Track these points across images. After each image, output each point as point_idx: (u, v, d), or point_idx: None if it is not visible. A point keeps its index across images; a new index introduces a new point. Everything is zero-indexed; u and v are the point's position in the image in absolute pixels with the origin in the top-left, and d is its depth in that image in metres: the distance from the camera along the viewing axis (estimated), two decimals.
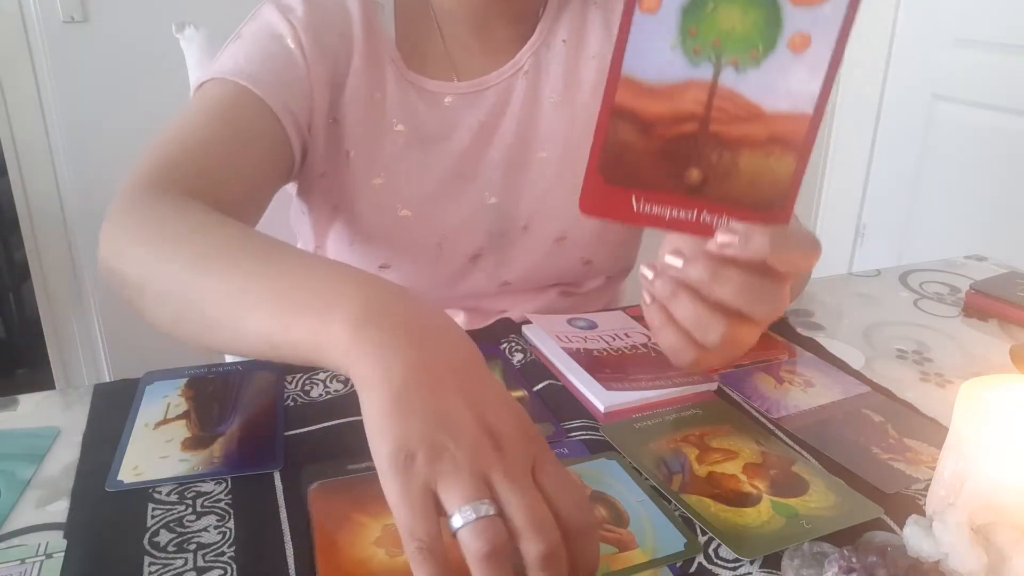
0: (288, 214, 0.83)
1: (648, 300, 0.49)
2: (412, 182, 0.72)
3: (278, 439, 0.53)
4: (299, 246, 0.82)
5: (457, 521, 0.33)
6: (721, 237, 0.44)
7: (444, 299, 0.79)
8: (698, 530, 0.45)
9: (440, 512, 0.34)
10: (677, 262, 0.46)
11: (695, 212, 0.44)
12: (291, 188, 0.78)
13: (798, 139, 0.39)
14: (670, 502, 0.47)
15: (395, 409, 0.35)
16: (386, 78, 0.72)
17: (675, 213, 0.45)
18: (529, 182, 0.76)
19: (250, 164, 0.64)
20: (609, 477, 0.50)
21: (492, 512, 0.33)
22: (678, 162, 0.43)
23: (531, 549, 0.33)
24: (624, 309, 0.74)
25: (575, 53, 0.77)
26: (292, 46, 0.67)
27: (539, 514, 0.34)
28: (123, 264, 0.51)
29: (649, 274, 0.49)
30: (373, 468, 0.40)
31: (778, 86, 0.37)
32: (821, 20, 0.36)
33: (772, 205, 0.42)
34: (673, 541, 0.44)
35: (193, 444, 0.53)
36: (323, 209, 0.75)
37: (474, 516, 0.33)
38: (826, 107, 0.38)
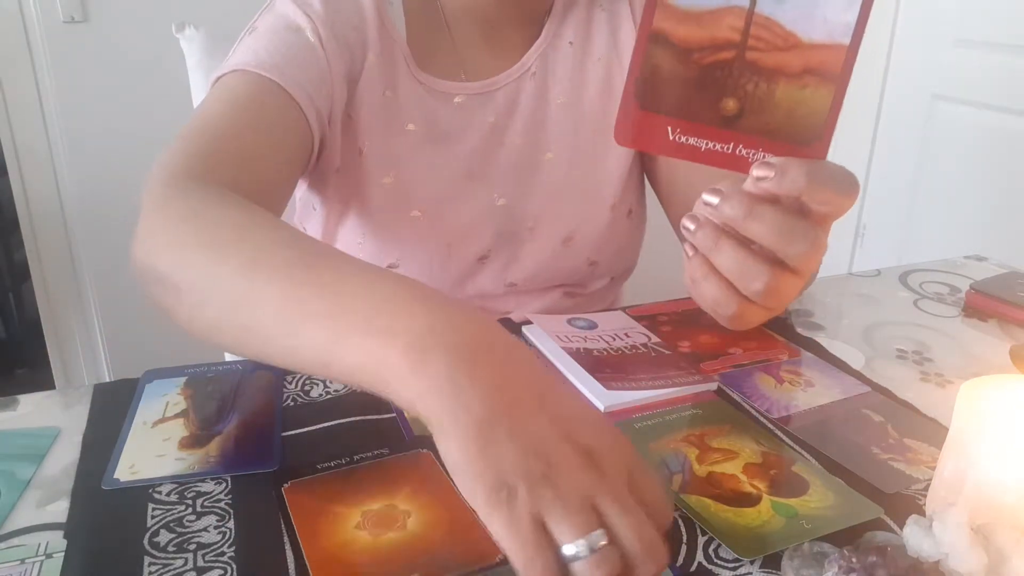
0: (290, 211, 0.83)
1: (690, 253, 0.49)
2: (423, 182, 0.73)
3: (275, 439, 0.53)
4: None
5: (571, 551, 0.31)
6: (757, 171, 0.44)
7: None
8: (698, 530, 0.45)
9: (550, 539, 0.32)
10: (714, 199, 0.45)
11: (731, 145, 0.44)
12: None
13: (835, 70, 0.39)
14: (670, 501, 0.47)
15: (482, 445, 0.32)
16: (398, 76, 0.72)
17: (711, 145, 0.44)
18: (537, 183, 0.76)
19: (279, 153, 0.62)
20: None
21: (604, 542, 0.31)
22: (714, 91, 0.43)
23: (644, 573, 0.32)
24: (624, 309, 0.74)
25: (581, 55, 0.78)
26: (312, 39, 0.66)
27: (648, 536, 0.32)
28: (161, 263, 0.47)
29: (691, 225, 0.48)
30: (343, 465, 0.40)
31: (815, 15, 0.37)
32: None
33: (809, 139, 0.42)
34: None
35: (190, 443, 0.53)
36: (335, 205, 0.75)
37: (588, 550, 0.31)
38: (862, 38, 0.38)
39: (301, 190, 0.79)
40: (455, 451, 0.32)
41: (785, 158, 0.43)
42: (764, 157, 0.44)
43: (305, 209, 0.80)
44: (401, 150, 0.72)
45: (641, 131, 0.45)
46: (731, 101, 0.43)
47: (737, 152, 0.44)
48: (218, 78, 0.65)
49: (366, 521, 0.45)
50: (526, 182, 0.76)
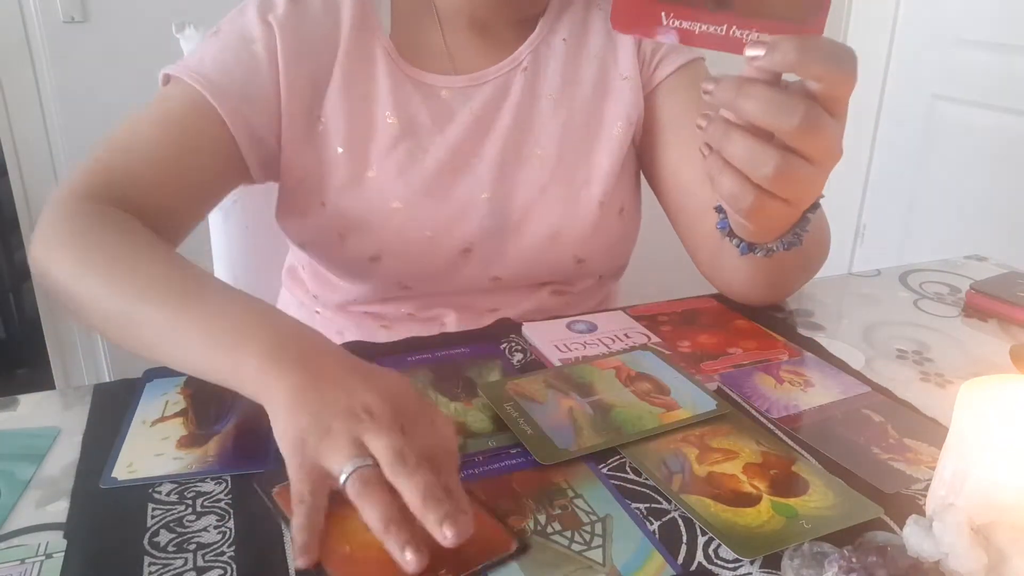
0: (269, 202, 0.81)
1: (706, 152, 0.50)
2: (404, 174, 0.72)
3: (272, 438, 0.53)
4: (289, 241, 0.83)
5: (342, 478, 0.40)
6: (749, 50, 0.45)
7: (434, 295, 0.79)
8: (698, 530, 0.45)
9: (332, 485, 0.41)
10: (710, 86, 0.47)
11: (724, 27, 0.44)
12: (274, 185, 0.77)
13: None
14: (670, 502, 0.47)
15: (289, 412, 0.44)
16: (377, 70, 0.72)
17: (704, 28, 0.45)
18: (523, 178, 0.76)
19: (193, 175, 0.67)
20: (647, 362, 0.63)
21: (367, 462, 0.41)
22: None
23: (394, 479, 0.40)
24: (625, 309, 0.74)
25: (575, 52, 0.78)
26: (261, 53, 0.68)
27: (397, 447, 0.40)
28: (57, 273, 0.56)
29: (703, 122, 0.49)
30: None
31: None
32: None
33: (803, 17, 0.42)
34: (707, 404, 0.57)
35: (188, 442, 0.53)
36: (311, 206, 0.74)
37: (352, 468, 0.40)
38: None
39: (279, 184, 0.78)
40: (276, 422, 0.44)
41: (778, 36, 0.44)
42: (758, 37, 0.45)
43: (284, 210, 0.79)
44: (382, 143, 0.72)
45: (636, 17, 0.46)
46: None
47: (731, 33, 0.45)
48: (167, 76, 0.69)
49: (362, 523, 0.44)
50: (511, 176, 0.75)
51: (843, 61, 0.45)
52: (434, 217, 0.73)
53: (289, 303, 0.89)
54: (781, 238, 0.58)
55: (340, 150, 0.71)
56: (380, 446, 0.41)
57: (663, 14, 0.45)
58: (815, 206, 0.57)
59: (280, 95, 0.69)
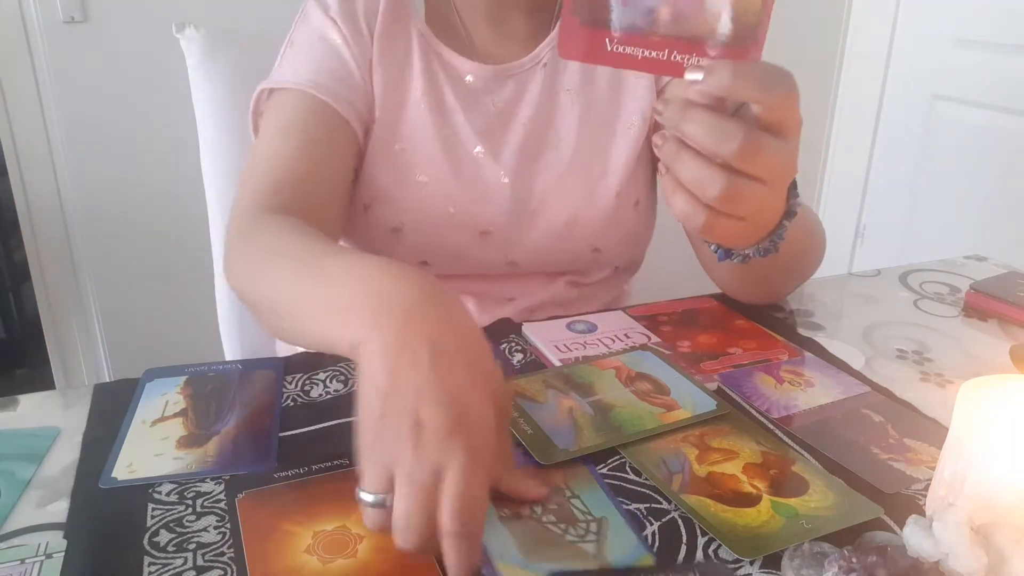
0: None
1: (663, 171, 0.51)
2: (431, 150, 0.76)
3: (273, 439, 0.53)
4: None
5: (360, 494, 0.40)
6: (688, 74, 0.46)
7: (454, 278, 0.81)
8: (698, 530, 0.45)
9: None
10: (660, 107, 0.49)
11: (666, 52, 0.46)
12: None
13: None
14: (670, 502, 0.47)
15: (365, 381, 0.41)
16: (412, 48, 0.76)
17: (647, 53, 0.46)
18: (542, 167, 0.79)
19: (331, 166, 0.72)
20: (647, 362, 0.63)
21: (385, 503, 0.39)
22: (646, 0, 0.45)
23: (397, 539, 0.39)
24: (625, 309, 0.75)
25: None
26: (340, 42, 0.74)
27: (409, 514, 0.38)
28: (241, 288, 0.59)
29: (659, 141, 0.50)
30: (301, 476, 0.48)
31: None
32: None
33: (743, 42, 0.43)
34: (707, 403, 0.57)
35: (188, 442, 0.53)
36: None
37: (369, 500, 0.40)
38: None
39: None
40: (373, 373, 0.41)
41: (715, 60, 0.45)
42: (698, 61, 0.46)
43: None
44: (412, 117, 0.76)
45: (582, 45, 0.47)
46: (664, 9, 0.45)
47: (672, 58, 0.46)
48: (265, 91, 0.74)
49: (317, 544, 0.43)
50: (531, 164, 0.78)
51: (776, 84, 0.46)
52: (458, 195, 0.76)
53: None
54: (757, 245, 0.58)
55: (377, 113, 0.75)
56: (397, 503, 0.38)
57: (607, 40, 0.46)
58: (791, 214, 0.57)
59: (363, 72, 0.75)
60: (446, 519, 0.38)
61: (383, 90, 0.75)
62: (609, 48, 0.46)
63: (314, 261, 0.51)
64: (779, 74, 0.47)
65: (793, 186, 0.56)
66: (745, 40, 0.44)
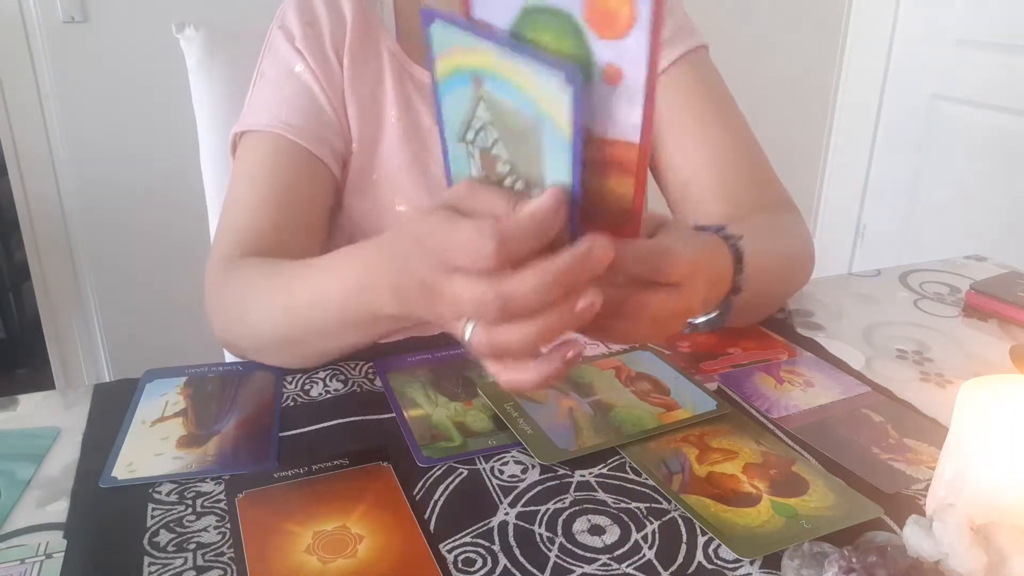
0: None
1: None
2: (409, 177, 0.74)
3: (273, 439, 0.53)
4: None
5: (467, 333, 0.41)
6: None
7: None
8: (698, 530, 0.45)
9: None
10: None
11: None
12: None
13: (631, 165, 0.38)
14: (670, 502, 0.47)
15: (395, 296, 0.47)
16: (384, 71, 0.74)
17: None
18: None
19: (305, 208, 0.70)
20: (647, 362, 0.64)
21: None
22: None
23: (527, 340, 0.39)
24: None
25: None
26: (308, 77, 0.72)
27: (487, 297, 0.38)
28: (229, 327, 0.63)
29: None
30: (301, 476, 0.49)
31: (603, 114, 0.37)
32: (626, 52, 0.35)
33: (621, 223, 0.41)
34: (707, 403, 0.57)
35: (188, 442, 0.53)
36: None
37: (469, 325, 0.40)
38: (651, 133, 0.38)
39: None
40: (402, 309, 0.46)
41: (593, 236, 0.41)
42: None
43: None
44: (387, 144, 0.74)
45: None
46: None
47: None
48: (237, 134, 0.73)
49: (317, 544, 0.44)
50: None
51: (650, 265, 0.43)
52: None
53: None
54: (706, 318, 0.56)
55: (355, 146, 0.73)
56: (468, 302, 0.39)
57: None
58: (735, 290, 0.54)
59: (335, 103, 0.73)
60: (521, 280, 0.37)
61: (358, 119, 0.73)
62: None
63: (288, 271, 0.57)
64: (656, 257, 0.43)
65: (738, 260, 0.53)
66: (622, 222, 0.40)
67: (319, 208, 0.72)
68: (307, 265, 0.57)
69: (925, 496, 0.47)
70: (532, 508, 0.47)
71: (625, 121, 0.37)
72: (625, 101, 0.36)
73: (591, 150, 0.38)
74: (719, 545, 0.44)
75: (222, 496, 0.48)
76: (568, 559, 0.43)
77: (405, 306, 0.46)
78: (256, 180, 0.69)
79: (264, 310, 0.59)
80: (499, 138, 0.40)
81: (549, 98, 0.36)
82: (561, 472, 0.50)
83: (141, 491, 0.48)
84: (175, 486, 0.49)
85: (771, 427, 0.56)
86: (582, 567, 0.43)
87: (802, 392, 0.60)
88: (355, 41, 0.72)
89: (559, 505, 0.47)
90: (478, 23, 0.40)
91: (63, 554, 0.43)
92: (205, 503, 0.47)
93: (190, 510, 0.46)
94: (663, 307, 0.44)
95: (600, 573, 0.42)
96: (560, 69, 0.35)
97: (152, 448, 0.52)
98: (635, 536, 0.45)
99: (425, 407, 0.57)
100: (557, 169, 0.38)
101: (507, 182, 0.41)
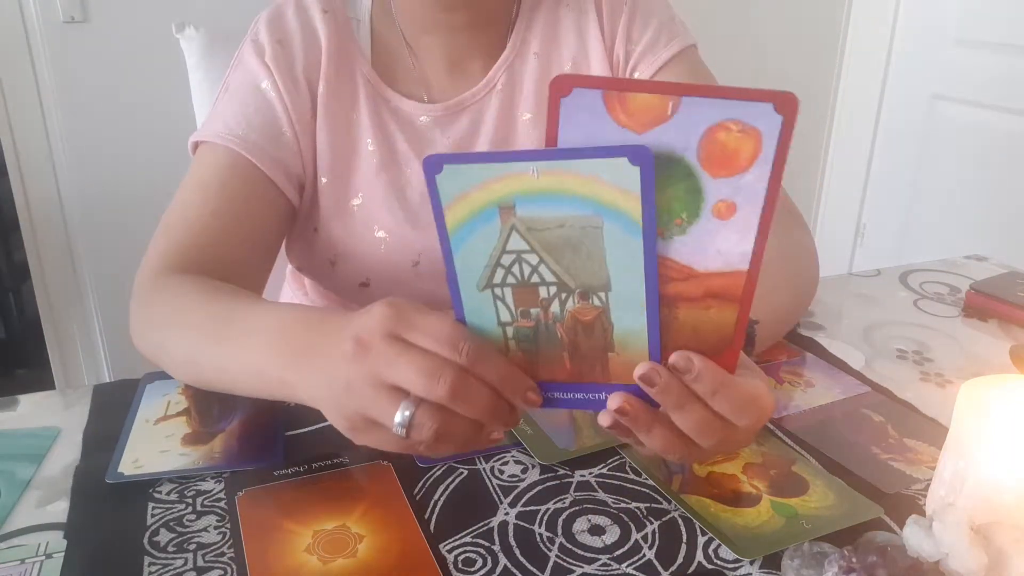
0: None
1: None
2: (388, 203, 0.72)
3: (278, 436, 0.53)
4: (287, 268, 0.86)
5: (400, 431, 0.40)
6: (675, 360, 0.41)
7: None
8: (698, 530, 0.45)
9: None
10: (658, 379, 0.42)
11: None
12: None
13: (735, 293, 0.39)
14: (670, 502, 0.47)
15: (316, 396, 0.45)
16: (359, 97, 0.72)
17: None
18: None
19: (249, 226, 0.68)
20: None
21: (409, 411, 0.39)
22: None
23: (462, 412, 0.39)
24: None
25: (547, 66, 0.75)
26: (273, 95, 0.70)
27: (431, 367, 0.39)
28: (152, 353, 0.60)
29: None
30: (301, 474, 0.48)
31: (708, 249, 0.37)
32: (744, 187, 0.36)
33: (717, 352, 0.41)
34: None
35: (193, 440, 0.53)
36: (306, 231, 0.75)
37: (400, 419, 0.39)
38: (762, 258, 0.38)
39: None
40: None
41: (703, 363, 0.40)
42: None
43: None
44: (365, 171, 0.72)
45: None
46: None
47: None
48: (195, 143, 0.71)
49: (317, 543, 0.44)
50: None
51: (746, 414, 0.42)
52: (420, 247, 0.73)
53: (292, 299, 0.89)
54: None
55: (324, 180, 0.72)
56: (410, 378, 0.39)
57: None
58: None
59: (297, 127, 0.71)
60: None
61: (331, 146, 0.71)
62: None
63: (218, 317, 0.55)
64: (754, 402, 0.42)
65: (750, 343, 0.53)
66: (719, 352, 0.40)
67: (266, 227, 0.70)
68: (240, 320, 0.53)
69: (925, 496, 0.47)
70: (532, 508, 0.47)
71: (732, 251, 0.38)
72: (735, 233, 0.37)
73: (691, 286, 0.39)
74: (719, 545, 0.44)
75: (222, 495, 0.48)
76: (568, 559, 0.43)
77: (329, 402, 0.44)
78: (208, 190, 0.68)
79: (182, 351, 0.57)
80: (542, 260, 0.39)
81: (612, 187, 0.36)
82: (561, 472, 0.50)
83: (141, 491, 0.48)
84: (175, 485, 0.49)
85: (771, 427, 0.56)
86: (582, 567, 0.43)
87: (802, 392, 0.60)
88: (330, 67, 0.71)
89: (559, 505, 0.47)
90: (496, 152, 0.39)
91: (63, 554, 0.43)
92: (205, 502, 0.47)
93: (190, 509, 0.46)
94: (736, 444, 0.45)
95: (600, 573, 0.42)
96: (622, 153, 0.35)
97: (157, 445, 0.52)
98: (635, 536, 0.45)
99: None
100: (627, 257, 0.38)
101: (553, 307, 0.40)
